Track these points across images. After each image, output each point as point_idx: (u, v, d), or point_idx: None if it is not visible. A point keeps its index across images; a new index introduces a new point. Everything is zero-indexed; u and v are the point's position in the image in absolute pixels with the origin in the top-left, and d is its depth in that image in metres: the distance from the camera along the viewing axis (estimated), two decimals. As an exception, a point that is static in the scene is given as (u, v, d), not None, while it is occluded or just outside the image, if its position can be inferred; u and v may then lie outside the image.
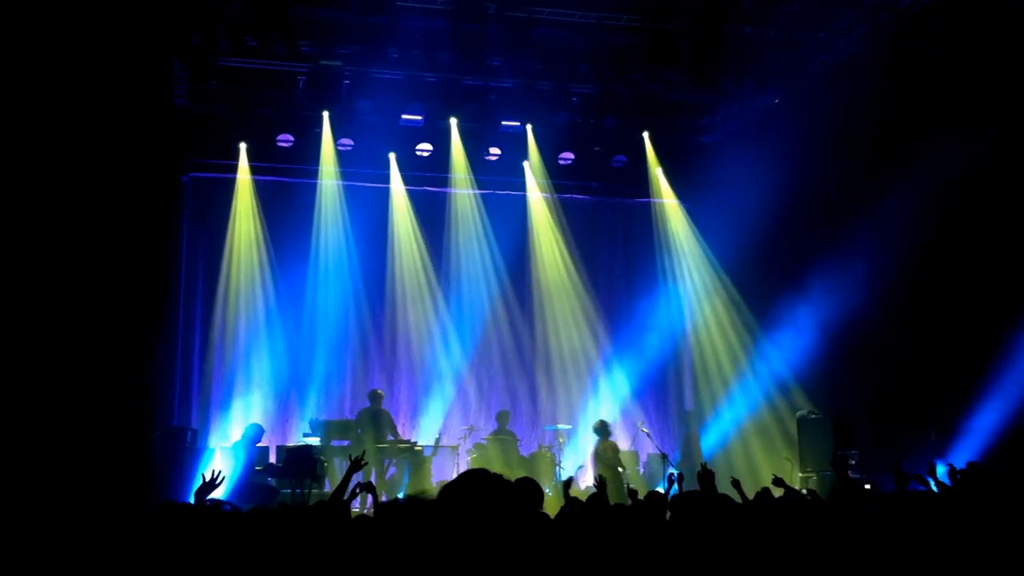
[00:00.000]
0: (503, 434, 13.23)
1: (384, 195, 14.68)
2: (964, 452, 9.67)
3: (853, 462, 11.10)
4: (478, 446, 13.06)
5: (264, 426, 12.60)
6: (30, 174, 10.03)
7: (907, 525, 5.12)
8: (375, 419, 12.61)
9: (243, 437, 11.82)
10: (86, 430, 9.49)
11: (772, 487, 7.33)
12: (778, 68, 12.98)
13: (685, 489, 7.12)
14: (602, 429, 12.97)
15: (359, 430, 12.33)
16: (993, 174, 10.20)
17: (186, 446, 11.44)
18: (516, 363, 14.81)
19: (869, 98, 11.53)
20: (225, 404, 13.43)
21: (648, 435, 13.04)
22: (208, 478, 5.99)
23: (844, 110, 11.87)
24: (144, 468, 9.99)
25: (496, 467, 11.79)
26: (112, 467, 9.36)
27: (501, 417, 13.48)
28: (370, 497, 6.77)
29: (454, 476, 12.89)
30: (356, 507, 8.21)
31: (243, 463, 11.18)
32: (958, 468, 7.41)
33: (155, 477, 10.30)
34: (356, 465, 6.24)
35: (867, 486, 9.77)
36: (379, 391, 13.12)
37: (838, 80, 12.16)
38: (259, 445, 11.98)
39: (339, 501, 5.72)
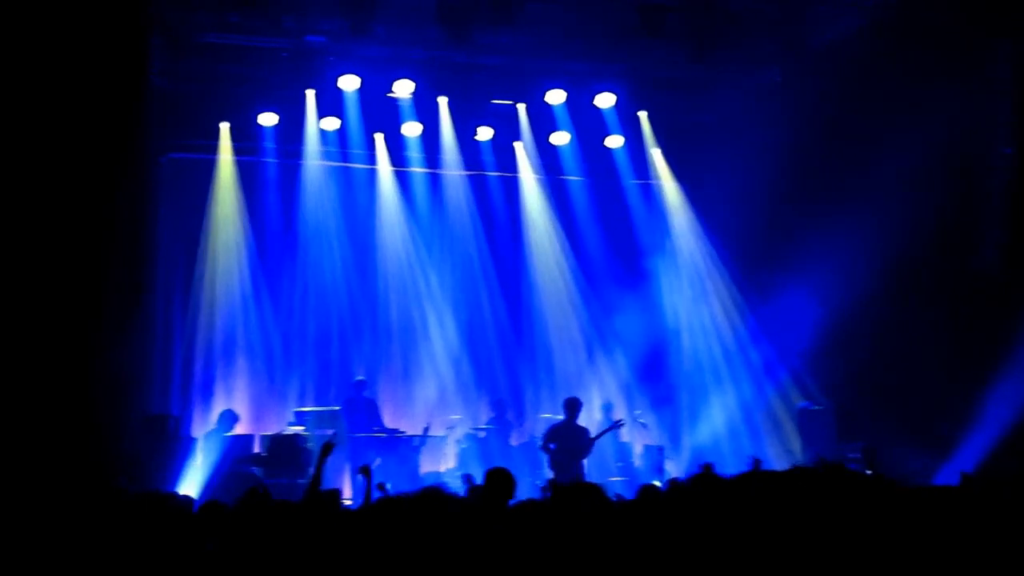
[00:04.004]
0: (498, 423, 12.88)
1: (371, 176, 14.31)
2: (973, 445, 9.39)
3: (859, 455, 10.76)
4: (469, 436, 12.70)
5: (248, 413, 12.31)
6: (1, 155, 9.68)
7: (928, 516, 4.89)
8: (356, 408, 12.34)
9: (218, 424, 11.57)
10: (59, 419, 9.17)
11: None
12: (777, 44, 12.66)
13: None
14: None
15: (344, 419, 12.05)
16: (1005, 148, 9.92)
17: (168, 434, 11.15)
18: (508, 350, 14.43)
19: (873, 74, 11.20)
20: (207, 391, 13.09)
21: (645, 425, 12.70)
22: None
23: (847, 86, 11.54)
24: (120, 458, 9.70)
25: (488, 458, 11.48)
26: (87, 457, 9.06)
27: (499, 405, 13.14)
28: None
29: (442, 467, 12.55)
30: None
31: (222, 452, 10.88)
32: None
33: (135, 467, 10.01)
34: (327, 450, 6.30)
35: (868, 472, 9.51)
36: (360, 378, 12.87)
37: (841, 56, 11.84)
38: (243, 433, 11.69)
39: (316, 492, 5.54)
